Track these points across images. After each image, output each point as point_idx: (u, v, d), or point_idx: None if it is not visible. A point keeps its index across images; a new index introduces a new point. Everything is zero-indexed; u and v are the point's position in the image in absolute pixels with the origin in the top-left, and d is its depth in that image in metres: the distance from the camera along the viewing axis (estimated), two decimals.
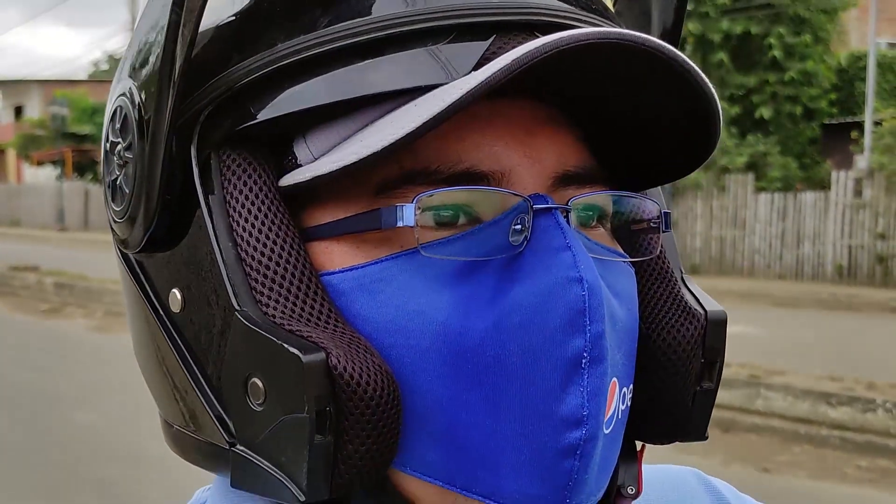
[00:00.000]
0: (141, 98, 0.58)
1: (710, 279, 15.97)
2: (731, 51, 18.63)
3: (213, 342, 0.58)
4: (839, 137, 19.06)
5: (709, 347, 0.65)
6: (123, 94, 0.61)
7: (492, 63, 0.53)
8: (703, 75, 0.56)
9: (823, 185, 17.58)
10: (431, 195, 0.56)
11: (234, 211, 0.57)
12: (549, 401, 0.54)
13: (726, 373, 7.64)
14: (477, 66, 0.57)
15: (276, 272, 0.56)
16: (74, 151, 39.72)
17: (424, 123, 0.52)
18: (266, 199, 0.57)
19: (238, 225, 0.57)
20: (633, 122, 0.63)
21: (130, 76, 0.60)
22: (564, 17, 0.61)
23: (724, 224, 17.62)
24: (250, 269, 0.56)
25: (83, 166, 40.53)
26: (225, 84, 0.59)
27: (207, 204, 0.57)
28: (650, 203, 0.65)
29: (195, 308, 0.59)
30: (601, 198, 0.62)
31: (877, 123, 16.89)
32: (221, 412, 0.58)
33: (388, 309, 0.56)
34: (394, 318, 0.56)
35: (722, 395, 7.37)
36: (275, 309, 0.55)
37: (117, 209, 0.61)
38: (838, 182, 16.35)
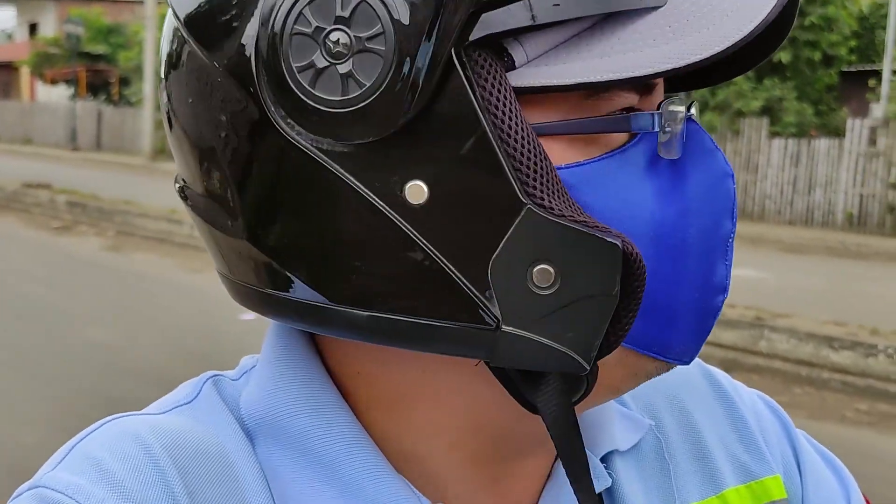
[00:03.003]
0: None
1: None
2: None
3: (472, 233, 0.61)
4: (856, 85, 18.96)
5: None
6: None
7: (753, 17, 0.61)
8: None
9: (838, 132, 17.50)
10: (667, 105, 0.65)
11: (495, 108, 0.60)
12: (710, 272, 0.67)
13: (732, 313, 7.70)
14: None
15: (541, 167, 0.60)
16: (88, 71, 39.61)
17: (706, 58, 0.60)
18: (512, 97, 0.61)
19: (502, 122, 0.60)
20: None
21: None
22: None
23: (736, 168, 17.55)
24: (519, 165, 0.60)
25: (96, 86, 40.43)
26: None
27: (477, 102, 0.59)
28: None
29: (447, 200, 0.60)
30: None
31: (895, 72, 16.78)
32: (481, 297, 0.61)
33: (612, 199, 0.63)
34: (617, 207, 0.63)
35: (726, 336, 7.43)
36: (550, 202, 0.60)
37: (338, 99, 0.60)
38: (853, 130, 16.28)
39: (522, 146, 0.60)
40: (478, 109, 0.59)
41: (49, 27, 46.94)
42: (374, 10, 0.59)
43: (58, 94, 43.70)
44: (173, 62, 0.67)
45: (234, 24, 0.62)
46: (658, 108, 0.66)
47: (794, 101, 18.19)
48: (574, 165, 0.63)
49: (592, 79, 0.61)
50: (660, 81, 0.68)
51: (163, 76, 0.69)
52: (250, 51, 0.61)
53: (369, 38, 0.59)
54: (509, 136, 0.59)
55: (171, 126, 0.69)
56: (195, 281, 10.18)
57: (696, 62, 0.60)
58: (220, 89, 0.63)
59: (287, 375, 0.71)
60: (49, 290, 9.66)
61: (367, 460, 0.68)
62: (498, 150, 0.59)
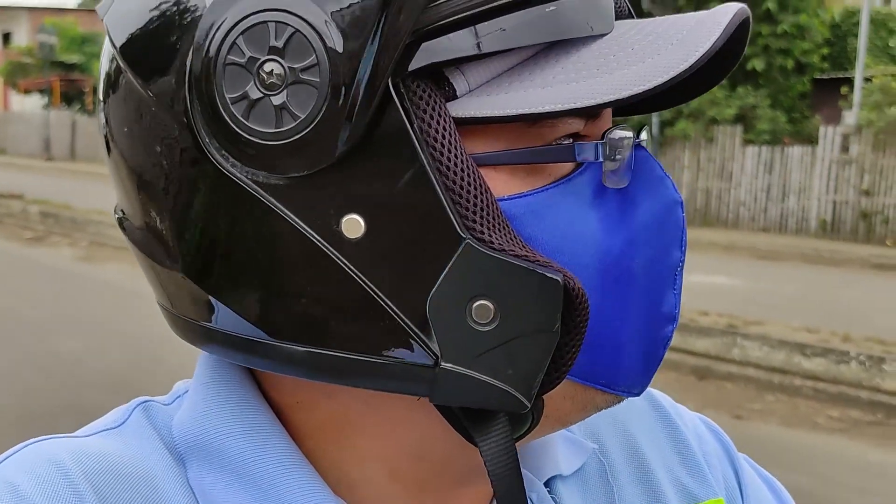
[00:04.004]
0: (335, 24, 0.57)
1: (694, 230, 16.04)
2: (725, 1, 18.52)
3: (409, 269, 0.59)
4: (829, 93, 19.08)
5: None
6: (299, 17, 0.58)
7: (697, 46, 0.60)
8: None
9: (811, 139, 17.61)
10: (612, 133, 0.63)
11: (434, 140, 0.58)
12: (657, 302, 0.66)
13: (704, 321, 7.72)
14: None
15: (481, 200, 0.59)
16: (62, 81, 39.45)
17: (650, 90, 0.58)
18: (452, 128, 0.59)
19: (441, 154, 0.58)
20: None
21: (316, 2, 0.58)
22: None
23: (710, 176, 17.67)
24: (459, 198, 0.58)
25: (70, 96, 40.27)
26: (424, 22, 0.58)
27: (415, 133, 0.58)
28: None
29: (384, 235, 0.59)
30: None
31: (867, 80, 16.92)
32: (419, 333, 0.60)
33: (557, 231, 0.61)
34: (562, 238, 0.61)
35: (699, 343, 7.46)
36: (490, 236, 0.58)
37: (272, 131, 0.58)
38: (826, 137, 16.40)
39: (462, 178, 0.58)
40: (415, 141, 0.57)
41: (22, 36, 46.75)
42: (308, 40, 0.57)
43: (31, 104, 43.49)
44: (111, 83, 0.65)
45: (168, 55, 0.60)
46: (602, 137, 0.64)
47: (768, 108, 18.30)
48: (517, 196, 0.61)
49: (533, 110, 0.59)
50: None
51: (101, 98, 0.67)
52: (183, 81, 0.59)
53: (303, 70, 0.57)
54: (448, 168, 0.58)
55: (108, 151, 0.67)
56: None
57: (638, 93, 0.59)
58: (155, 119, 0.61)
59: (221, 396, 0.70)
60: (20, 300, 9.58)
61: (304, 481, 0.67)
62: (436, 182, 0.58)
